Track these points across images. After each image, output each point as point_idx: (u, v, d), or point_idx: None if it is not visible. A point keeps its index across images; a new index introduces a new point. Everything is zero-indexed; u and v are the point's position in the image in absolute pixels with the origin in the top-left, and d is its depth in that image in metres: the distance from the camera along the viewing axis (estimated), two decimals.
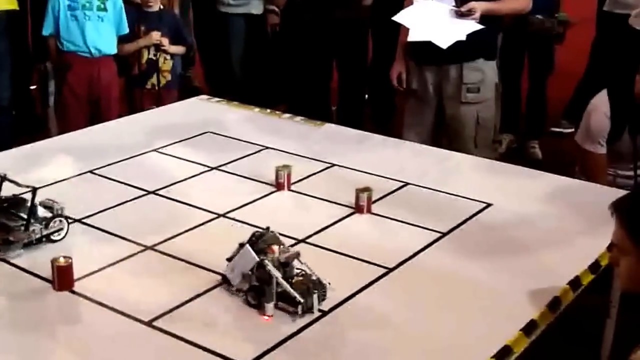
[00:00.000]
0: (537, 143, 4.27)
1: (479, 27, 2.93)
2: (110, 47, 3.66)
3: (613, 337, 2.19)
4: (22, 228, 1.86)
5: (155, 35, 3.75)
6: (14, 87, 3.93)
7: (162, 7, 3.85)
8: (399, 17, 3.03)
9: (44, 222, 1.89)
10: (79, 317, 1.67)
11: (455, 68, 3.04)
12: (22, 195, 1.95)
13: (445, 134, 3.15)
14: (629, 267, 1.50)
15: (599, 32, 4.14)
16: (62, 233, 1.93)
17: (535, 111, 4.30)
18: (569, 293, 1.77)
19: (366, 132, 2.86)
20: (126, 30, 3.71)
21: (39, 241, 1.89)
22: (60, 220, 1.93)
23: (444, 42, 2.93)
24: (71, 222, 1.98)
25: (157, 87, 3.79)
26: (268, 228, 1.74)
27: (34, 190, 1.90)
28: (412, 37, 3.00)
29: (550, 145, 4.28)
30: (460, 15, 2.95)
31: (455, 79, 3.06)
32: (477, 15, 2.93)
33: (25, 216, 1.87)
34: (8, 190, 1.97)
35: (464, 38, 2.91)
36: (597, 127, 2.65)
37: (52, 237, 1.91)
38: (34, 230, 1.87)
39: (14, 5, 3.81)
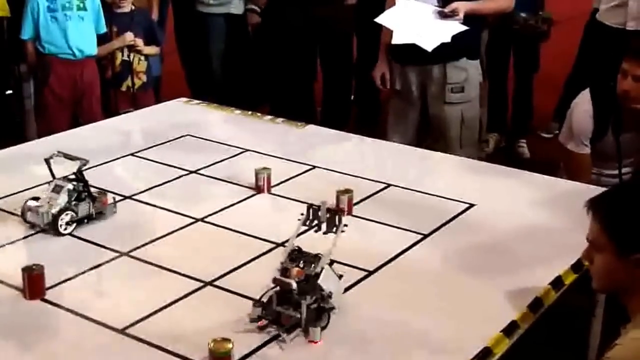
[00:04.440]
0: (524, 142, 4.25)
1: (464, 28, 2.90)
2: (91, 47, 3.60)
3: (600, 337, 2.16)
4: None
5: (129, 36, 3.69)
6: None
7: (133, 7, 3.80)
8: (382, 19, 3.00)
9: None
10: (50, 326, 1.64)
11: (438, 68, 3.02)
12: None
13: (430, 135, 3.12)
14: (604, 264, 1.48)
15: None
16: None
17: (522, 109, 4.28)
18: (550, 293, 1.75)
19: (348, 133, 2.83)
20: (104, 29, 3.66)
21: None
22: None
23: (429, 45, 2.89)
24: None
25: (132, 90, 3.74)
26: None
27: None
28: (396, 40, 2.95)
29: (539, 143, 4.27)
30: (444, 16, 2.92)
31: (439, 79, 3.03)
32: (461, 15, 2.91)
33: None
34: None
35: (449, 40, 2.88)
36: (579, 127, 2.63)
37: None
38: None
39: (6, 13, 3.73)
